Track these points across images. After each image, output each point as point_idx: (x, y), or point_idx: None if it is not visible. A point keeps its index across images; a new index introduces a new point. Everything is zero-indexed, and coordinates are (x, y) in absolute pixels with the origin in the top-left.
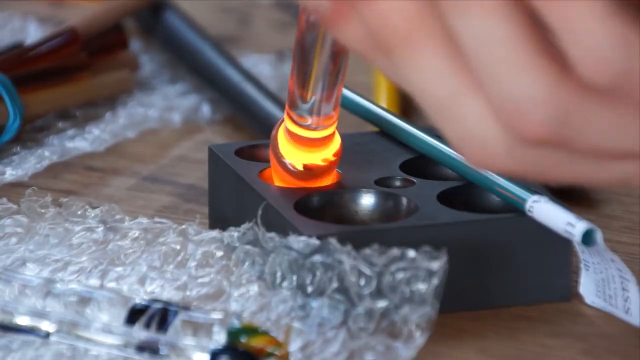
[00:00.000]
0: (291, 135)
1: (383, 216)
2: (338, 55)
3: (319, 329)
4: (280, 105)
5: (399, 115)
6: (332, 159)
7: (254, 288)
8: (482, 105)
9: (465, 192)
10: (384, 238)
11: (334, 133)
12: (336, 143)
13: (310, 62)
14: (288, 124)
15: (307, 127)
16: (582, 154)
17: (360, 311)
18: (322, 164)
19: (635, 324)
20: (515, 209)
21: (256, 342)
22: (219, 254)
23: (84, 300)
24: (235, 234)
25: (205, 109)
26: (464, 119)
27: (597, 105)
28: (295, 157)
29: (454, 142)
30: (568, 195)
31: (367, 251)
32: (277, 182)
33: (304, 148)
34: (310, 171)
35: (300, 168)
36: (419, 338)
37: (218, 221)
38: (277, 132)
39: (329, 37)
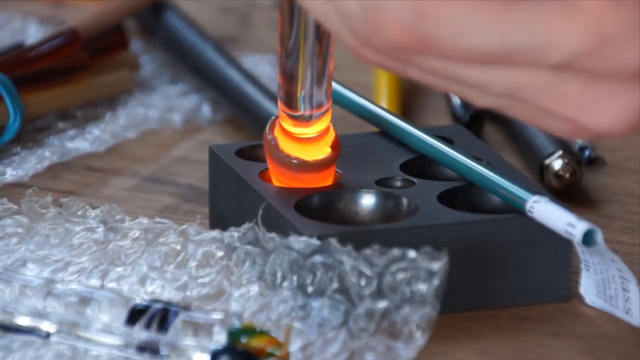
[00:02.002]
0: (287, 133)
1: (383, 216)
2: (323, 36)
3: (320, 329)
4: None
5: (399, 115)
6: (329, 151)
7: (255, 288)
8: (356, 8)
9: (465, 193)
10: (384, 238)
11: (328, 127)
12: (330, 135)
13: (296, 46)
14: (283, 122)
15: (301, 119)
16: (455, 58)
17: (360, 311)
18: (319, 157)
19: (636, 324)
20: (516, 209)
21: (256, 343)
22: (220, 254)
23: (85, 300)
24: (236, 234)
25: (206, 110)
26: (346, 17)
27: None
28: (293, 150)
29: (337, 33)
30: (568, 196)
31: (367, 251)
32: (276, 182)
33: (302, 144)
34: (309, 164)
35: (296, 161)
36: (420, 338)
37: (218, 221)
38: (270, 131)
39: (312, 19)
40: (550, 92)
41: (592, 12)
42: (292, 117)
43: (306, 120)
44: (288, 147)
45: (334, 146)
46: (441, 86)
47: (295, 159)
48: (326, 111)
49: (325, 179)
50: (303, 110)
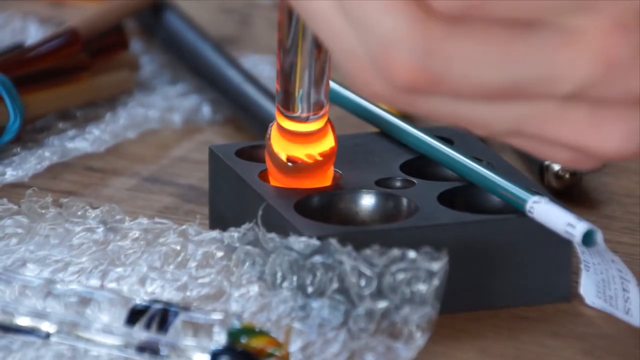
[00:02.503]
0: (282, 130)
1: (383, 217)
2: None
3: (320, 329)
4: None
5: (399, 115)
6: (318, 158)
7: (255, 288)
8: (361, 47)
9: (465, 193)
10: (384, 239)
11: (325, 129)
12: (327, 143)
13: (294, 49)
14: (279, 118)
15: (298, 120)
16: (465, 95)
17: (360, 312)
18: (305, 159)
19: (636, 324)
20: (516, 209)
21: (256, 343)
22: (220, 254)
23: (85, 300)
24: (236, 235)
25: (206, 110)
26: (350, 55)
27: (460, 36)
28: (281, 148)
29: (345, 72)
30: (568, 196)
31: (367, 252)
32: (272, 182)
33: (290, 140)
34: (293, 164)
35: (284, 159)
36: (420, 339)
37: (218, 222)
38: (271, 130)
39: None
40: (556, 122)
41: (598, 39)
42: (289, 118)
43: (303, 121)
44: (282, 147)
45: (327, 150)
46: (447, 122)
47: (289, 157)
48: (324, 114)
49: (323, 180)
50: (300, 111)
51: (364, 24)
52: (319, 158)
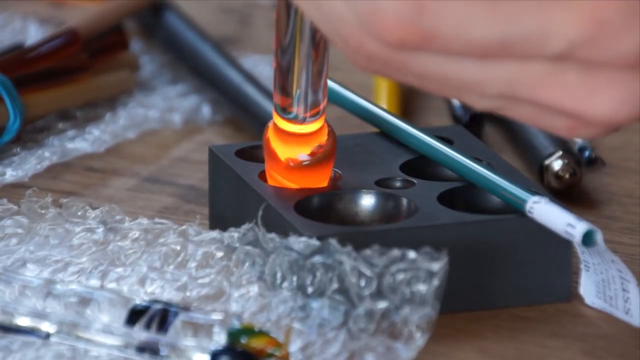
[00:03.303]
0: (279, 130)
1: (383, 217)
2: (319, 38)
3: (319, 329)
4: None
5: (399, 116)
6: (318, 149)
7: (254, 289)
8: (350, 10)
9: (465, 193)
10: (384, 239)
11: (322, 128)
12: (322, 136)
13: (292, 50)
14: (276, 119)
15: (295, 120)
16: (456, 52)
17: (360, 312)
18: (309, 157)
19: (636, 324)
20: (516, 209)
21: (256, 343)
22: (219, 254)
23: (84, 301)
24: (236, 235)
25: (206, 110)
26: (338, 20)
27: None
28: (284, 151)
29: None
30: (568, 196)
31: (367, 252)
32: (271, 182)
33: (292, 143)
34: (294, 164)
35: (283, 160)
36: (420, 339)
37: (218, 222)
38: (267, 131)
39: (309, 24)
40: (548, 85)
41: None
42: (286, 118)
43: (300, 121)
44: (279, 147)
45: (322, 148)
46: (438, 90)
47: (285, 157)
48: (321, 113)
49: (321, 181)
50: (297, 111)
51: None
52: (319, 149)
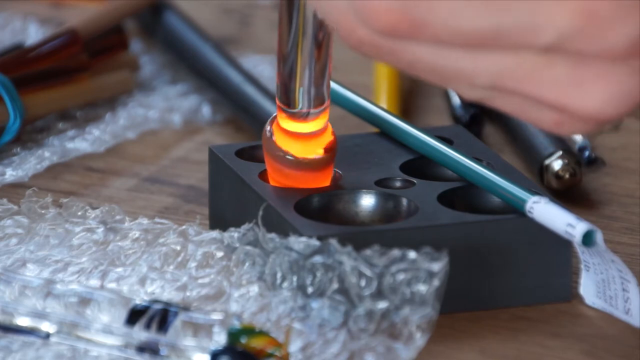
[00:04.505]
0: (283, 130)
1: (383, 217)
2: (323, 32)
3: (319, 329)
4: None
5: (399, 116)
6: (321, 152)
7: (254, 289)
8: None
9: (465, 193)
10: (384, 239)
11: (326, 127)
12: (327, 137)
13: (295, 41)
14: (280, 119)
15: (299, 115)
16: (446, 41)
17: (360, 312)
18: (313, 156)
19: (636, 324)
20: (516, 210)
21: (256, 343)
22: (219, 254)
23: (84, 301)
24: (236, 235)
25: (206, 110)
26: (332, 7)
27: None
28: (288, 147)
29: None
30: (568, 196)
31: (367, 252)
32: (272, 182)
33: (296, 141)
34: (303, 162)
35: (295, 156)
36: (420, 339)
37: (218, 222)
38: (271, 128)
39: (312, 20)
40: (537, 77)
41: None
42: (290, 114)
43: (303, 117)
44: (284, 143)
45: (328, 148)
46: (428, 77)
47: (290, 155)
48: (324, 109)
49: (322, 180)
50: (301, 106)
51: None
52: (322, 153)
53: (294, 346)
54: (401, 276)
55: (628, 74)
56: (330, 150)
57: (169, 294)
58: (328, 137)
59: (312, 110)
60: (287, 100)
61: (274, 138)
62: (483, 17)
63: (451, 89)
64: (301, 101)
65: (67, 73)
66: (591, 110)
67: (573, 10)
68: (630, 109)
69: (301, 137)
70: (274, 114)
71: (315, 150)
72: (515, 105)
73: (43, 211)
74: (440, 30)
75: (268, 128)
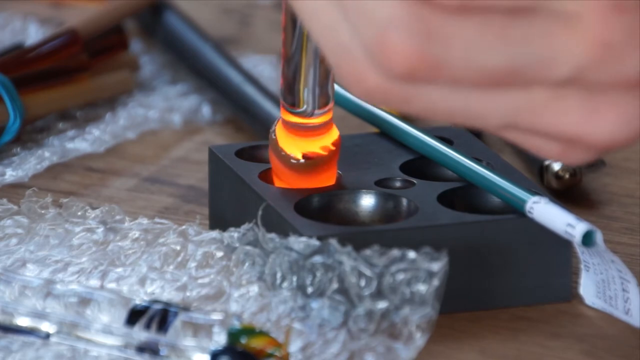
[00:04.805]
0: (287, 125)
1: (383, 217)
2: None
3: (319, 329)
4: None
5: (399, 116)
6: (332, 148)
7: (254, 289)
8: (355, 40)
9: (465, 193)
10: (384, 239)
11: (330, 123)
12: (334, 133)
13: (300, 41)
14: (283, 114)
15: (303, 115)
16: (464, 82)
17: (360, 312)
18: (321, 152)
19: (636, 325)
20: (516, 210)
21: (256, 343)
22: (219, 254)
23: (84, 301)
24: (236, 235)
25: (206, 110)
26: (342, 51)
27: (459, 20)
28: (294, 147)
29: (337, 74)
30: (568, 196)
31: (367, 252)
32: (278, 183)
33: (301, 138)
34: (310, 160)
35: (300, 158)
36: (419, 339)
37: (218, 222)
38: (275, 129)
39: None
40: (551, 112)
41: (593, 21)
42: (295, 113)
43: (308, 117)
44: (288, 144)
45: (333, 145)
46: (440, 119)
47: (295, 156)
48: (329, 109)
49: (328, 179)
50: (306, 106)
51: (359, 12)
52: (333, 148)
53: (294, 346)
54: (401, 276)
55: (639, 100)
56: (337, 144)
57: (168, 294)
58: (334, 135)
59: (316, 111)
60: (291, 100)
61: (279, 139)
62: (498, 52)
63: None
64: (306, 101)
65: (67, 73)
66: (603, 138)
67: (588, 42)
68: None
69: (306, 135)
70: (279, 118)
71: (321, 145)
72: (526, 139)
73: (43, 211)
74: (457, 69)
75: (273, 129)
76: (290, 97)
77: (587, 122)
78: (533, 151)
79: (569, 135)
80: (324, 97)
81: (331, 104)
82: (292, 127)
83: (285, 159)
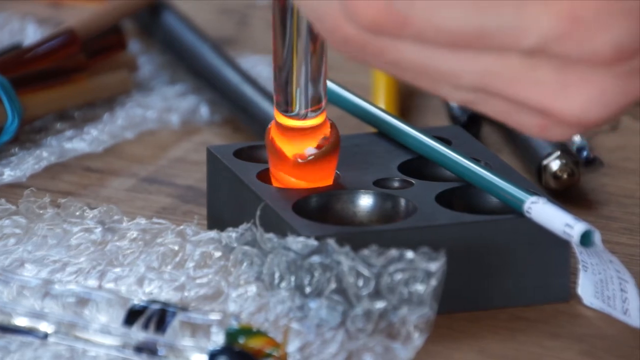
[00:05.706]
0: (281, 128)
1: (381, 217)
2: (317, 37)
3: (317, 329)
4: None
5: (397, 116)
6: (324, 141)
7: (252, 289)
8: None
9: (463, 193)
10: (382, 239)
11: (325, 123)
12: (326, 128)
13: (290, 47)
14: (277, 117)
15: (296, 117)
16: (430, 39)
17: (358, 312)
18: (316, 150)
19: (634, 325)
20: (514, 210)
21: (254, 343)
22: (217, 254)
23: (83, 301)
24: (234, 235)
25: (204, 110)
26: (319, 4)
27: None
28: (289, 148)
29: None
30: (566, 197)
31: (365, 252)
32: (276, 184)
33: (296, 139)
34: (306, 161)
35: (296, 157)
36: (417, 339)
37: (216, 222)
38: (270, 131)
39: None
40: (521, 80)
41: None
42: (287, 116)
43: (301, 118)
44: (284, 145)
45: (329, 141)
46: (413, 79)
47: (292, 156)
48: (322, 110)
49: (325, 178)
50: (298, 108)
51: None
52: (325, 142)
53: (292, 346)
54: (399, 276)
55: (611, 79)
56: (329, 142)
57: (167, 294)
58: (327, 131)
59: (309, 112)
60: (284, 102)
61: (275, 140)
62: (467, 16)
63: (436, 92)
64: (298, 103)
65: (65, 73)
66: (573, 114)
67: (557, 14)
68: (613, 115)
69: (300, 135)
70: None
71: (315, 145)
72: (499, 108)
73: (41, 211)
74: (423, 27)
75: (268, 132)
76: (282, 99)
77: (558, 94)
78: (512, 124)
79: (540, 106)
80: (316, 97)
81: (324, 103)
82: (286, 130)
83: (282, 158)
